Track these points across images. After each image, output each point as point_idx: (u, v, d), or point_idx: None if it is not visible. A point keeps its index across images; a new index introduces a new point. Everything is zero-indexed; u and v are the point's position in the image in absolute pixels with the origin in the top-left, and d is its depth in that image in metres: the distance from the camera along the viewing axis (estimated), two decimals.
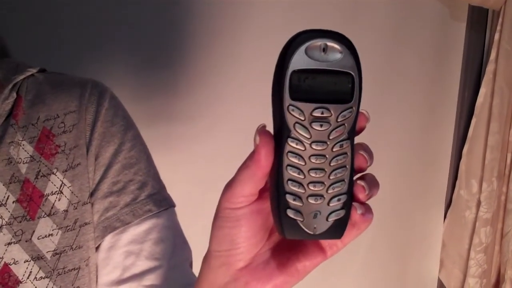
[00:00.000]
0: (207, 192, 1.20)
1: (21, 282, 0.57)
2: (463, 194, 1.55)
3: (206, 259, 0.46)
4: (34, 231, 0.59)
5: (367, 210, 0.42)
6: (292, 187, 0.40)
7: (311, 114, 0.39)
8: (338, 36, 0.39)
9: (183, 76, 1.20)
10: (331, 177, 0.40)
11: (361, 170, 0.42)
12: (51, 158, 0.61)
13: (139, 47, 1.15)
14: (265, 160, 0.40)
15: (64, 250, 0.60)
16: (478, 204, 1.51)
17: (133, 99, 1.12)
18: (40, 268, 0.58)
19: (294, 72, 0.38)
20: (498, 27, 1.44)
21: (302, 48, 0.38)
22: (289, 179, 0.40)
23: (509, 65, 1.43)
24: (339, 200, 0.41)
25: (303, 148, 0.39)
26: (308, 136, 0.39)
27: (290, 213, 0.40)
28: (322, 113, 0.39)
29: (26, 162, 0.60)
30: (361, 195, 0.42)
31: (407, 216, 1.57)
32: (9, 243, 0.58)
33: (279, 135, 0.40)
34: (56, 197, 0.60)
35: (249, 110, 1.23)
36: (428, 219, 1.63)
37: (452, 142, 1.59)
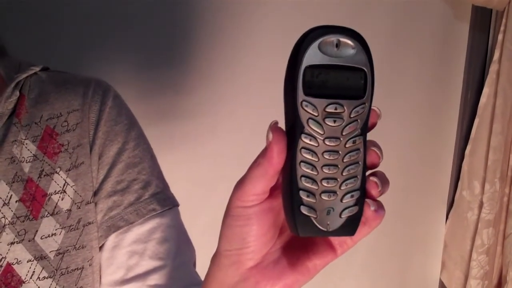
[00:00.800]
0: (210, 192, 1.21)
1: (24, 282, 0.57)
2: (466, 195, 1.55)
3: (215, 258, 0.45)
4: (37, 231, 0.58)
5: (380, 206, 0.42)
6: (305, 184, 0.40)
7: (324, 109, 0.39)
8: (351, 32, 0.39)
9: (186, 76, 1.20)
10: (344, 173, 0.40)
11: (374, 166, 0.42)
12: (54, 157, 0.61)
13: (143, 46, 1.15)
14: (278, 157, 0.39)
15: (67, 249, 0.59)
16: (481, 205, 1.50)
17: (136, 98, 1.11)
18: (43, 268, 0.58)
19: (307, 67, 0.38)
20: (502, 28, 1.43)
21: (315, 44, 0.38)
22: (302, 176, 0.40)
23: None
24: (352, 196, 0.41)
25: (316, 144, 0.39)
26: (322, 132, 0.39)
27: (304, 210, 0.40)
28: (336, 109, 0.39)
29: (29, 161, 0.60)
30: (373, 191, 0.41)
31: (409, 216, 1.57)
32: (12, 243, 0.57)
33: (292, 131, 0.40)
34: (60, 197, 0.60)
35: (252, 109, 1.23)
36: (430, 220, 1.63)
37: (455, 143, 1.59)
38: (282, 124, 0.41)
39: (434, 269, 1.66)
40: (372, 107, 0.41)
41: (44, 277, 0.58)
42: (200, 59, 1.20)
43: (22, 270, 0.57)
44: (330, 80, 0.39)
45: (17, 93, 0.63)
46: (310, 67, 0.38)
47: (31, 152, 0.60)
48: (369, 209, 0.41)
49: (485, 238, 1.50)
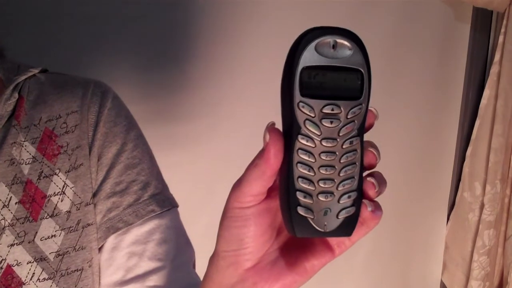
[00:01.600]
0: (209, 192, 1.21)
1: (24, 284, 0.57)
2: (467, 197, 1.54)
3: (213, 259, 0.45)
4: (37, 232, 0.59)
5: (377, 207, 0.42)
6: (302, 184, 0.40)
7: (321, 110, 0.39)
8: (347, 33, 0.39)
9: (186, 76, 1.20)
10: (341, 174, 0.40)
11: (371, 167, 0.42)
12: (53, 158, 0.61)
13: (142, 47, 1.15)
14: (275, 158, 0.39)
15: (67, 251, 0.59)
16: (482, 206, 1.50)
17: (136, 100, 1.12)
18: (43, 270, 0.58)
19: (304, 68, 0.38)
20: (503, 29, 1.43)
21: (312, 45, 0.38)
22: (299, 176, 0.40)
23: None
24: (349, 197, 0.41)
25: (313, 145, 0.40)
26: (319, 133, 0.39)
27: (301, 211, 0.40)
28: (332, 110, 0.39)
29: (28, 163, 0.60)
30: (371, 192, 0.42)
31: (410, 218, 1.57)
32: (12, 245, 0.58)
33: (289, 132, 0.40)
34: (59, 198, 0.60)
35: (252, 110, 1.23)
36: (431, 221, 1.62)
37: (456, 144, 1.58)
38: (279, 125, 0.41)
39: (435, 270, 1.65)
40: (369, 108, 0.41)
41: (44, 279, 0.58)
42: (200, 60, 1.20)
43: (22, 272, 0.57)
44: (327, 81, 0.39)
45: (16, 95, 0.63)
46: (307, 68, 0.38)
47: (30, 154, 0.61)
48: (366, 210, 0.41)
49: (486, 239, 1.50)
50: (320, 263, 0.44)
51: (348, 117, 0.39)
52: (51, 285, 0.58)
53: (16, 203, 0.59)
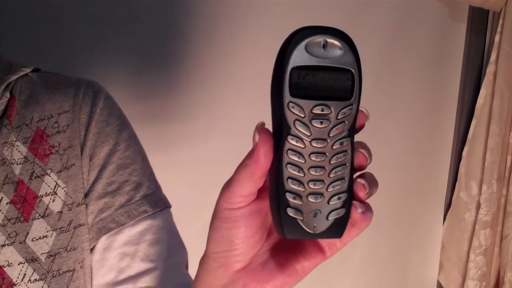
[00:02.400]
0: (205, 194, 1.20)
1: (15, 285, 0.57)
2: (463, 196, 1.54)
3: (203, 261, 0.45)
4: (28, 233, 0.58)
5: (367, 208, 0.42)
6: (292, 186, 0.40)
7: (311, 111, 0.38)
8: (338, 32, 0.39)
9: (181, 77, 1.20)
10: (331, 175, 0.40)
11: (361, 168, 0.42)
12: (45, 158, 0.61)
13: (137, 48, 1.15)
14: (265, 159, 0.39)
15: (59, 252, 0.59)
16: (478, 206, 1.50)
17: (131, 100, 1.11)
18: (34, 270, 0.58)
19: (294, 68, 0.38)
20: (499, 29, 1.43)
21: (302, 45, 0.38)
22: (289, 177, 0.40)
23: (510, 67, 1.42)
24: (339, 198, 0.41)
25: (303, 146, 0.39)
26: (308, 134, 0.39)
27: (290, 212, 0.40)
28: (322, 110, 0.39)
29: (20, 163, 0.60)
30: (361, 193, 0.41)
31: (407, 218, 1.57)
32: (3, 245, 0.57)
33: (279, 132, 0.39)
34: (50, 198, 0.60)
35: (247, 110, 1.23)
36: (428, 221, 1.62)
37: (452, 144, 1.58)
38: (269, 125, 0.41)
39: (431, 270, 1.65)
40: (360, 108, 0.40)
41: (35, 280, 0.58)
42: (194, 61, 1.20)
43: (13, 273, 0.57)
44: (317, 81, 0.38)
45: (8, 94, 0.62)
46: (297, 68, 0.38)
47: (21, 154, 0.60)
48: (356, 212, 0.41)
49: (483, 239, 1.50)
50: (311, 264, 0.44)
51: (339, 117, 0.39)
52: (42, 286, 0.58)
53: (7, 203, 0.58)
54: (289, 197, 0.40)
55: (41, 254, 0.58)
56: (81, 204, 0.61)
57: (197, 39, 1.19)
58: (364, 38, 1.29)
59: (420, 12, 1.44)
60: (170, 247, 0.65)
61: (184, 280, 0.64)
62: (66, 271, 0.59)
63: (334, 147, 0.40)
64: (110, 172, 0.63)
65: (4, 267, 0.57)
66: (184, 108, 1.21)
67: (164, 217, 0.65)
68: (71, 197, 0.61)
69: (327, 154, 0.40)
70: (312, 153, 0.39)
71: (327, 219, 0.41)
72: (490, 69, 1.46)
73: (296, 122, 0.39)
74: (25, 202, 0.59)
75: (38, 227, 0.59)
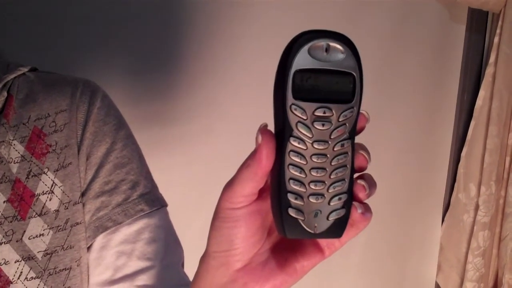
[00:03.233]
0: (204, 194, 1.20)
1: (11, 283, 0.57)
2: (462, 198, 1.55)
3: (203, 260, 0.46)
4: (25, 231, 0.58)
5: (367, 209, 0.42)
6: (293, 186, 0.41)
7: (313, 113, 0.39)
8: (340, 36, 0.39)
9: (180, 78, 1.20)
10: (332, 176, 0.41)
11: (361, 169, 0.43)
12: (42, 157, 0.61)
13: (136, 48, 1.15)
14: (267, 160, 0.40)
15: (55, 250, 0.59)
16: (476, 207, 1.50)
17: (130, 101, 1.12)
18: (31, 268, 0.58)
19: (297, 71, 0.39)
20: (498, 30, 1.43)
21: (305, 48, 0.39)
22: (290, 178, 0.40)
23: (509, 69, 1.42)
24: (339, 199, 0.42)
25: (305, 147, 0.40)
26: (310, 135, 0.40)
27: (292, 212, 0.41)
28: (324, 113, 0.39)
29: (17, 162, 0.60)
30: (361, 194, 0.42)
31: (405, 219, 1.57)
32: (0, 243, 0.57)
33: (281, 134, 0.40)
34: (47, 197, 0.60)
35: (246, 112, 1.23)
36: (426, 222, 1.62)
37: (451, 145, 1.58)
38: (271, 127, 0.42)
39: (430, 272, 1.65)
40: (360, 111, 0.41)
41: (32, 278, 0.58)
42: (193, 62, 1.20)
43: (9, 271, 0.57)
44: (319, 84, 0.39)
45: (5, 93, 0.63)
46: (300, 71, 0.39)
47: (19, 152, 0.61)
48: (356, 212, 0.42)
49: (481, 240, 1.50)
50: (310, 263, 0.44)
51: (340, 120, 0.40)
52: (39, 284, 0.58)
53: (4, 202, 0.59)
54: (291, 197, 0.41)
55: (38, 252, 0.58)
56: (78, 203, 0.61)
57: (196, 40, 1.19)
58: (363, 39, 1.28)
59: (420, 13, 1.44)
60: (167, 246, 0.65)
61: (180, 279, 0.64)
62: (63, 269, 0.60)
63: (335, 149, 0.41)
64: (107, 171, 0.63)
65: (1, 265, 0.57)
66: (182, 109, 1.21)
67: (160, 215, 0.65)
68: (68, 196, 0.61)
69: (328, 155, 0.41)
70: (313, 154, 0.40)
71: (327, 219, 0.42)
72: (489, 71, 1.46)
73: (299, 124, 0.39)
74: (22, 201, 0.59)
75: (35, 225, 0.59)
